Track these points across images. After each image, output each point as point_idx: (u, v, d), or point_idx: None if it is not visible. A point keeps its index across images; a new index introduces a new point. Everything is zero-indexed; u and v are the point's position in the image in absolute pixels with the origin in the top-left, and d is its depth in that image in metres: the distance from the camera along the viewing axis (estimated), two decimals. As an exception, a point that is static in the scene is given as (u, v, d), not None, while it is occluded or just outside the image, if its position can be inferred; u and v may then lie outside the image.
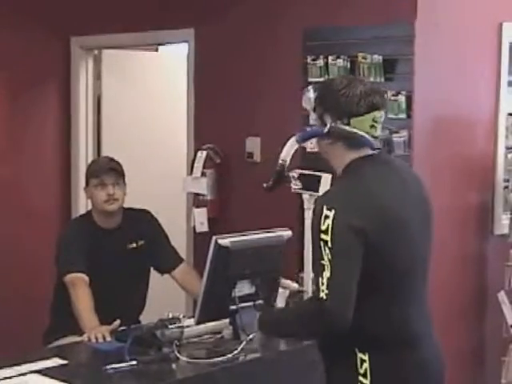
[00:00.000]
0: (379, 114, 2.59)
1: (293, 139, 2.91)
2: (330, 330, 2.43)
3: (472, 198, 4.80)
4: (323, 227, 2.42)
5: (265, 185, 3.16)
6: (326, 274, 2.39)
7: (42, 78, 5.94)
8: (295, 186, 3.24)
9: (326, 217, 2.42)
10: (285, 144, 3.07)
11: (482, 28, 4.73)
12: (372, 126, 2.57)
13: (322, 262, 2.41)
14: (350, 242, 2.41)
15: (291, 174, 3.14)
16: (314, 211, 2.51)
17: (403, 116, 4.30)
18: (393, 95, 4.27)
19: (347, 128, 2.54)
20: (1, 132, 5.92)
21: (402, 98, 4.28)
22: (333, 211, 2.41)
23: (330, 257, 2.40)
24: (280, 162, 3.03)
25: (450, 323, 4.50)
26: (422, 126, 4.37)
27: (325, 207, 2.44)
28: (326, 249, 2.41)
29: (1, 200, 5.87)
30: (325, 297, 2.39)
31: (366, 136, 2.55)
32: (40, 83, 5.95)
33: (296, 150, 3.05)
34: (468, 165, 4.71)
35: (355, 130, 2.54)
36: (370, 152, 2.59)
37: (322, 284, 2.40)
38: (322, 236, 2.42)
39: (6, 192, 5.89)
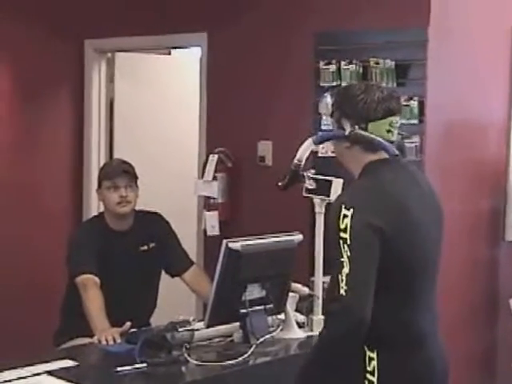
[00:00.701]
0: (395, 120, 2.64)
1: (310, 140, 2.94)
2: (351, 325, 2.42)
3: (484, 204, 4.79)
4: (342, 226, 2.45)
5: (280, 183, 3.19)
6: (345, 270, 2.42)
7: (55, 80, 5.97)
8: (310, 185, 3.26)
9: (345, 216, 2.46)
10: (301, 145, 3.10)
11: (494, 33, 4.73)
12: (389, 131, 2.63)
13: (341, 259, 2.44)
14: (368, 239, 2.44)
15: (306, 174, 3.16)
16: (331, 212, 2.54)
17: (415, 121, 4.30)
18: (405, 100, 4.27)
19: (367, 134, 2.60)
20: (14, 134, 5.95)
21: (414, 104, 4.28)
22: (351, 210, 2.45)
23: (348, 254, 2.43)
24: (295, 161, 3.06)
25: (460, 329, 4.50)
26: (434, 131, 4.37)
27: (343, 206, 2.48)
28: (345, 246, 2.44)
29: (14, 201, 5.89)
30: (344, 293, 2.41)
31: (386, 143, 2.60)
32: (53, 86, 5.97)
33: (311, 152, 3.07)
34: (480, 170, 4.71)
35: (375, 137, 2.59)
36: (387, 155, 2.64)
37: (342, 281, 2.42)
38: (341, 234, 2.45)
39: (18, 193, 5.91)
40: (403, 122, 4.27)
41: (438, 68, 4.32)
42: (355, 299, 2.41)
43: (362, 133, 2.60)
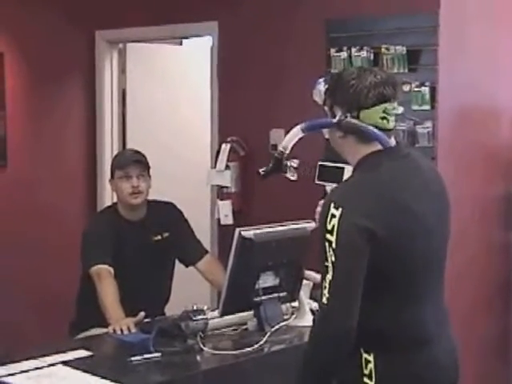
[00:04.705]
0: (390, 106, 2.48)
1: (298, 128, 2.77)
2: (331, 336, 2.33)
3: (497, 189, 4.78)
4: (329, 226, 2.32)
5: (261, 170, 3.02)
6: (329, 276, 2.31)
7: (67, 71, 5.98)
8: (292, 176, 3.11)
9: (333, 216, 2.32)
10: (288, 132, 3.01)
11: (507, 17, 4.70)
12: (383, 118, 2.47)
13: (326, 263, 2.33)
14: (355, 244, 2.31)
15: (289, 164, 3.04)
16: (321, 209, 2.42)
17: (427, 107, 4.28)
18: (416, 86, 4.26)
19: (357, 122, 2.46)
20: (26, 125, 5.97)
21: (425, 89, 4.27)
22: (340, 210, 2.31)
23: (333, 259, 2.31)
24: (280, 149, 2.89)
25: (474, 315, 4.49)
26: (447, 117, 4.35)
27: (332, 205, 2.34)
28: (330, 250, 2.31)
29: (26, 194, 5.93)
30: (326, 301, 2.31)
31: (379, 133, 2.46)
32: (65, 77, 5.98)
33: (299, 139, 2.95)
34: (493, 155, 4.70)
35: (367, 127, 2.45)
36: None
37: (325, 288, 2.31)
38: (327, 236, 2.32)
39: (31, 185, 5.94)
40: (415, 107, 4.29)
41: (449, 53, 4.30)
42: (336, 309, 2.31)
43: (353, 121, 2.46)
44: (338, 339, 2.33)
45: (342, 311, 2.31)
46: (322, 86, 2.70)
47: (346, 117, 2.48)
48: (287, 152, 2.90)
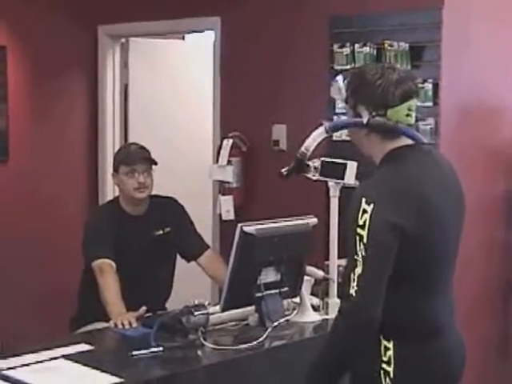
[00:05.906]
0: (413, 102, 2.56)
1: (322, 129, 2.81)
2: (358, 327, 2.40)
3: (499, 186, 4.77)
4: (360, 222, 2.39)
5: (283, 170, 3.09)
6: (358, 270, 2.38)
7: (69, 66, 5.98)
8: (314, 176, 3.12)
9: (364, 211, 2.39)
10: (312, 132, 3.02)
11: (511, 14, 4.69)
12: (407, 115, 2.55)
13: (356, 257, 2.39)
14: (385, 240, 2.39)
15: (312, 164, 3.03)
16: (351, 202, 2.47)
17: (430, 104, 4.28)
18: (419, 83, 4.25)
19: (388, 122, 2.52)
20: (28, 120, 5.96)
21: (428, 86, 4.27)
22: (371, 205, 2.38)
23: (363, 253, 2.38)
24: (302, 150, 2.94)
25: (475, 312, 4.49)
26: (449, 114, 4.35)
27: (363, 200, 2.40)
28: (361, 244, 2.38)
29: (27, 188, 5.92)
30: (354, 293, 2.38)
31: (412, 130, 2.55)
32: (68, 72, 5.98)
33: (323, 139, 2.97)
34: (495, 152, 4.69)
35: (398, 125, 2.52)
36: (410, 142, 2.56)
37: (354, 280, 2.39)
38: (359, 230, 2.39)
39: (32, 180, 5.93)
40: (418, 104, 4.27)
41: (452, 50, 4.30)
42: (364, 301, 2.39)
43: (382, 120, 2.51)
44: (365, 329, 2.41)
45: (370, 303, 2.39)
46: (341, 83, 2.70)
47: (374, 116, 2.53)
48: (309, 153, 2.94)
